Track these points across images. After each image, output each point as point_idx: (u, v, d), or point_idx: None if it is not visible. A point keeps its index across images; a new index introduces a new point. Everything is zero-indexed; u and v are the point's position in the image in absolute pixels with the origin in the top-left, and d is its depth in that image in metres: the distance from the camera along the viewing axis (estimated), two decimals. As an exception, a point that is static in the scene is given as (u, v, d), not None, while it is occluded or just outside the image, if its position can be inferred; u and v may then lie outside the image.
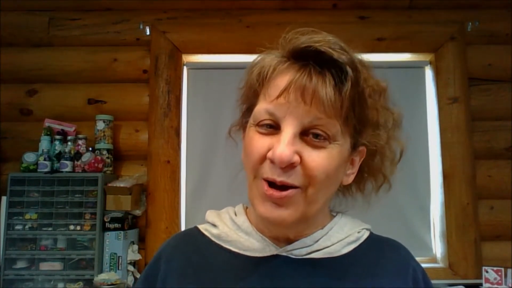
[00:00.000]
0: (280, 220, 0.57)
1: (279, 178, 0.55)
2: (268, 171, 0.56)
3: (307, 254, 0.62)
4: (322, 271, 0.61)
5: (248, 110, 0.64)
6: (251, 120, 0.61)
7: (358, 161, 0.64)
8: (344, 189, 0.69)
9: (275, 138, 0.56)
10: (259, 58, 0.63)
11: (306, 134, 0.56)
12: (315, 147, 0.56)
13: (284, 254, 0.62)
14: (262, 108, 0.58)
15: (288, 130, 0.55)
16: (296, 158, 0.55)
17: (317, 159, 0.56)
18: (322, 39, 0.56)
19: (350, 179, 0.64)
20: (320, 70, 0.56)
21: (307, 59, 0.56)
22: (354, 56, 0.58)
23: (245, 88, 0.65)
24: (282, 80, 0.57)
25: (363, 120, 0.60)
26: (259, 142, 0.58)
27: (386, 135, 0.65)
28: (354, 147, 0.61)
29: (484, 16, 2.48)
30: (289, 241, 0.63)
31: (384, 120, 0.65)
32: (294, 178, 0.55)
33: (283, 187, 0.56)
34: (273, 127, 0.57)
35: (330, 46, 0.56)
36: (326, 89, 0.54)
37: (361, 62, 0.60)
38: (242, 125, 0.67)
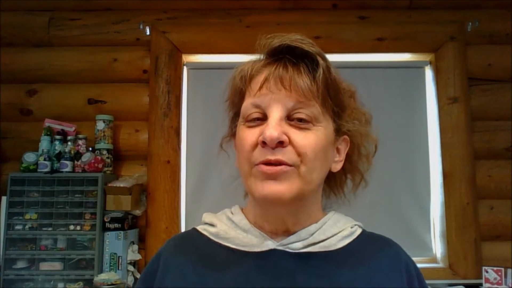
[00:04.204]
0: (278, 195, 0.59)
1: (273, 157, 0.59)
2: (261, 155, 0.60)
3: (303, 247, 0.64)
4: (319, 265, 0.63)
5: (236, 115, 0.69)
6: (240, 119, 0.65)
7: (343, 150, 0.69)
8: (329, 186, 0.73)
9: (264, 126, 0.61)
10: (237, 67, 0.68)
11: (291, 119, 0.61)
12: (301, 129, 0.61)
13: (281, 248, 0.64)
14: (248, 103, 0.64)
15: (274, 114, 0.60)
16: (285, 137, 0.59)
17: (305, 139, 0.60)
18: (292, 37, 0.62)
19: (338, 166, 0.68)
20: (294, 62, 0.62)
21: (282, 55, 0.63)
22: (322, 51, 0.64)
23: (230, 96, 0.70)
24: (261, 76, 0.63)
25: (339, 104, 0.66)
26: (250, 133, 0.62)
27: (360, 132, 0.70)
28: (337, 132, 0.66)
29: (484, 16, 2.48)
30: (287, 236, 0.65)
31: (358, 119, 0.70)
32: (287, 157, 0.59)
33: (278, 165, 0.59)
34: (261, 119, 0.62)
35: (300, 41, 0.62)
36: (301, 76, 0.61)
37: (332, 67, 0.66)
38: (233, 133, 0.70)
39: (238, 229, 0.68)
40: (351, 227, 0.69)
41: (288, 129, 0.60)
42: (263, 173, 0.59)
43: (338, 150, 0.68)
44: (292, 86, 0.60)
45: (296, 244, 0.64)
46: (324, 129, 0.63)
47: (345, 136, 0.68)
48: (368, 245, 0.68)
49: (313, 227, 0.66)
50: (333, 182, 0.72)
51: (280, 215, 0.64)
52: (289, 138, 0.60)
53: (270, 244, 0.64)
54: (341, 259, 0.64)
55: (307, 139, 0.60)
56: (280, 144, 0.59)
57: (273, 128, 0.58)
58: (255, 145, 0.61)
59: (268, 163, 0.59)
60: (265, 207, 0.64)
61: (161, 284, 0.65)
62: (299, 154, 0.60)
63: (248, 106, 0.63)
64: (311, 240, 0.65)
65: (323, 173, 0.65)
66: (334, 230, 0.67)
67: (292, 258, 0.63)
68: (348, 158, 0.70)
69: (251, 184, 0.61)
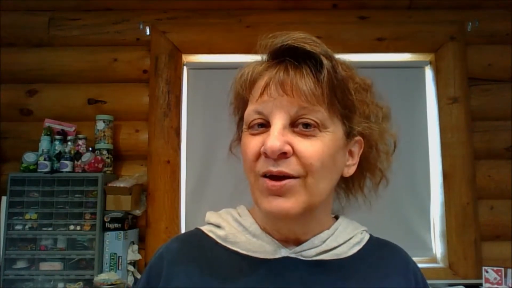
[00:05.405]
0: (284, 211, 0.57)
1: (275, 169, 0.56)
2: (263, 166, 0.57)
3: (316, 255, 0.63)
4: (332, 273, 0.62)
5: (241, 119, 0.66)
6: (243, 126, 0.63)
7: (357, 152, 0.65)
8: (347, 188, 0.70)
9: (266, 135, 0.58)
10: (239, 69, 0.65)
11: (295, 126, 0.58)
12: (306, 136, 0.57)
13: (293, 255, 0.62)
14: (250, 109, 0.61)
15: (277, 122, 0.57)
16: (288, 148, 0.56)
17: (310, 147, 0.57)
18: (295, 36, 0.59)
19: (351, 171, 0.65)
20: (296, 64, 0.58)
21: (283, 56, 0.59)
22: (328, 49, 0.60)
23: (234, 100, 0.67)
24: (262, 80, 0.60)
25: (348, 105, 0.61)
26: (253, 141, 0.59)
27: (378, 128, 0.66)
28: (348, 135, 0.62)
29: (484, 16, 2.48)
30: (298, 243, 0.64)
31: (375, 114, 0.67)
32: (290, 168, 0.56)
33: (282, 178, 0.57)
34: (264, 126, 0.59)
35: (302, 40, 0.58)
36: (304, 79, 0.57)
37: (344, 62, 0.63)
38: (240, 137, 0.67)
39: (247, 233, 0.65)
40: (360, 233, 0.68)
41: (291, 138, 0.57)
42: (268, 189, 0.57)
43: (351, 153, 0.64)
44: (294, 91, 0.56)
45: (309, 251, 0.63)
46: (332, 135, 0.59)
47: (359, 138, 0.64)
48: (378, 252, 0.67)
49: (325, 234, 0.64)
50: (350, 184, 0.69)
51: (290, 227, 0.63)
52: (293, 147, 0.56)
53: (283, 252, 0.63)
54: (352, 267, 0.63)
55: (313, 148, 0.57)
56: (283, 155, 0.56)
57: (275, 139, 0.55)
58: (258, 155, 0.58)
59: (271, 175, 0.57)
60: (272, 220, 0.63)
61: (167, 286, 0.62)
62: (304, 165, 0.56)
63: (250, 113, 0.60)
64: (324, 247, 0.63)
65: (332, 181, 0.62)
66: (345, 237, 0.66)
67: (305, 266, 0.62)
68: (365, 157, 0.66)
69: (257, 198, 0.59)
